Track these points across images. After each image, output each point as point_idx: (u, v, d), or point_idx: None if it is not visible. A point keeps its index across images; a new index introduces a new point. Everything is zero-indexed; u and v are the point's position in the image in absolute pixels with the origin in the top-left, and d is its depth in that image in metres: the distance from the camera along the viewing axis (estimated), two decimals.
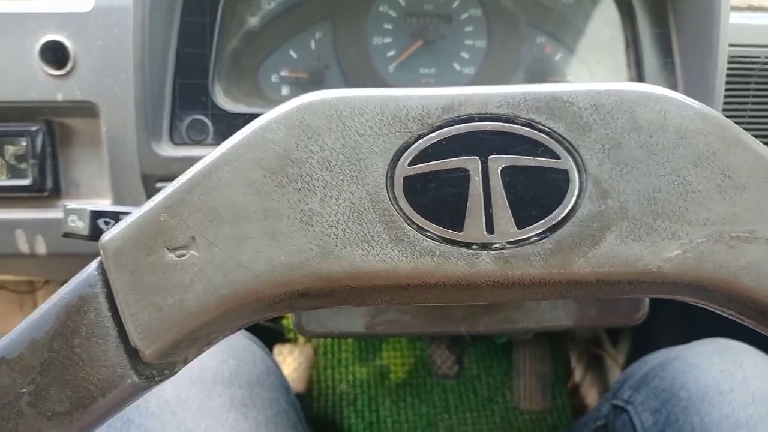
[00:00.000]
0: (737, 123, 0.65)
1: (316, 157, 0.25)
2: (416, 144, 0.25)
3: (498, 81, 0.63)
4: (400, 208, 0.25)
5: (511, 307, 0.53)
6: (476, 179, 0.25)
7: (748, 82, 0.64)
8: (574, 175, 0.25)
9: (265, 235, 0.24)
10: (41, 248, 0.63)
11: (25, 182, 0.62)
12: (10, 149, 0.62)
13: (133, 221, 0.25)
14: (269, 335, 1.28)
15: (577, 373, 1.37)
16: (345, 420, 1.29)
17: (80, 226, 0.41)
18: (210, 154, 0.25)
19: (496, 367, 1.38)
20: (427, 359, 1.25)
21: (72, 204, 0.43)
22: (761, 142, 0.67)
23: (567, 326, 0.54)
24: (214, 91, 0.59)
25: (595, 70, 0.64)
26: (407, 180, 0.25)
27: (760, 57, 0.63)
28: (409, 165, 0.25)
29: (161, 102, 0.58)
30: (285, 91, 0.62)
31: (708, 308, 0.27)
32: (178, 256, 0.24)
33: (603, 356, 1.33)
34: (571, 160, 0.25)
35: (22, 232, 0.63)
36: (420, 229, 0.25)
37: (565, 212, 0.25)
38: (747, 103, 0.65)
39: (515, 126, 0.25)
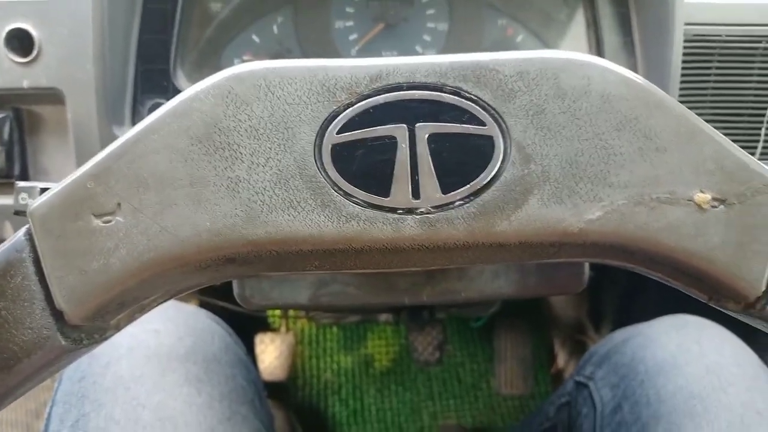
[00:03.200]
0: (699, 100, 0.66)
1: (243, 125, 0.25)
2: (345, 112, 0.25)
3: None
4: (328, 175, 0.25)
5: (453, 278, 0.54)
6: (403, 146, 0.25)
7: (710, 60, 0.65)
8: (499, 141, 0.25)
9: (190, 201, 0.25)
10: (9, 233, 0.63)
11: None
12: None
13: (60, 189, 0.25)
14: (251, 324, 1.29)
15: (561, 359, 1.38)
16: (329, 408, 1.30)
17: (30, 203, 0.42)
18: (139, 123, 0.26)
19: (479, 354, 1.39)
20: (409, 346, 1.26)
21: (25, 183, 0.44)
22: (722, 117, 0.68)
23: (508, 295, 0.55)
24: (176, 76, 0.60)
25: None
26: (335, 147, 0.25)
27: (721, 35, 0.64)
28: (338, 133, 0.25)
29: (123, 87, 0.58)
30: None
31: (637, 271, 0.28)
32: (104, 222, 0.25)
33: (586, 341, 1.34)
34: (496, 126, 0.25)
35: None
36: (347, 195, 0.25)
37: (489, 177, 0.25)
38: (709, 80, 0.65)
39: (442, 94, 0.26)
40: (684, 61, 0.62)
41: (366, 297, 0.54)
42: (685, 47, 0.62)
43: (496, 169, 0.25)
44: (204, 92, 0.25)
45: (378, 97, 0.26)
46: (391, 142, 0.25)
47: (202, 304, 0.95)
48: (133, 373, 0.48)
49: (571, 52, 0.26)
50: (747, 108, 0.65)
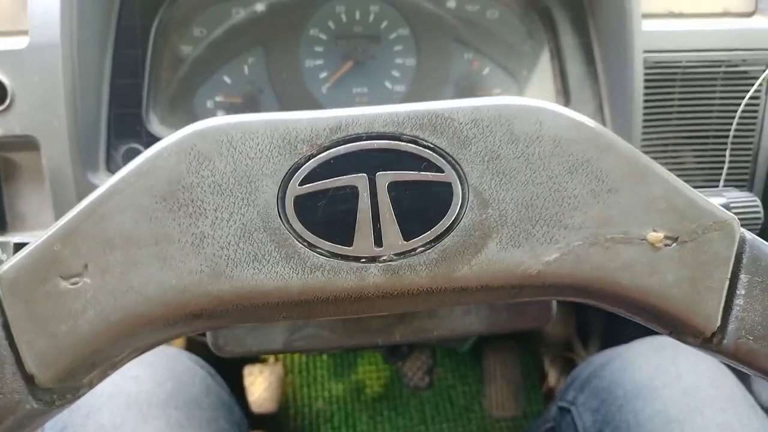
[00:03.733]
0: (664, 124, 0.68)
1: (207, 181, 0.25)
2: (306, 164, 0.26)
3: (429, 97, 0.65)
4: (291, 227, 0.26)
5: (424, 317, 0.54)
6: (364, 195, 0.26)
7: (673, 86, 0.66)
8: (457, 187, 0.26)
9: (155, 259, 0.25)
10: None
11: None
12: None
13: (28, 252, 0.25)
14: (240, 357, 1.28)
15: (551, 377, 1.38)
16: None
17: (3, 258, 0.42)
18: (104, 183, 0.26)
19: (470, 376, 1.39)
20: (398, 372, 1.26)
21: (0, 238, 0.44)
22: (688, 140, 0.70)
23: (480, 332, 0.55)
24: (149, 119, 0.61)
25: (522, 82, 0.66)
26: (298, 199, 0.26)
27: (681, 61, 0.65)
28: (300, 185, 0.26)
29: (97, 132, 0.59)
30: (220, 115, 0.63)
31: (599, 307, 0.29)
32: (72, 284, 0.25)
33: (575, 359, 1.34)
34: (454, 173, 0.26)
35: None
36: (311, 246, 0.26)
37: (449, 223, 0.26)
38: (673, 105, 0.67)
39: (400, 143, 0.26)
40: (647, 87, 0.63)
41: (340, 340, 0.55)
42: (647, 73, 0.63)
43: (455, 214, 0.26)
44: (167, 150, 0.26)
45: (338, 147, 0.26)
46: (352, 192, 0.26)
47: (189, 342, 0.95)
48: (113, 421, 0.48)
49: (523, 98, 0.27)
50: (712, 130, 0.67)
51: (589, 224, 0.26)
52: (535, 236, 0.26)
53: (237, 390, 1.20)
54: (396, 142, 0.26)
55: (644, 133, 0.65)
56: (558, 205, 0.26)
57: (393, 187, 0.26)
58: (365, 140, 0.26)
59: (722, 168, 0.66)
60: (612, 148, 0.27)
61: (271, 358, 1.33)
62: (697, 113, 0.66)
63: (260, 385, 1.28)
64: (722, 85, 0.66)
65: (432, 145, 0.26)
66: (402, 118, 0.26)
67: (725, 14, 0.69)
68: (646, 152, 0.64)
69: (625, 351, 0.64)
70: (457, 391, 1.37)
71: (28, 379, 0.25)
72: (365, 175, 0.26)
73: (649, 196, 0.26)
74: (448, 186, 0.26)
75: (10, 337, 0.25)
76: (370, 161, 0.26)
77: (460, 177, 0.26)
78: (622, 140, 0.27)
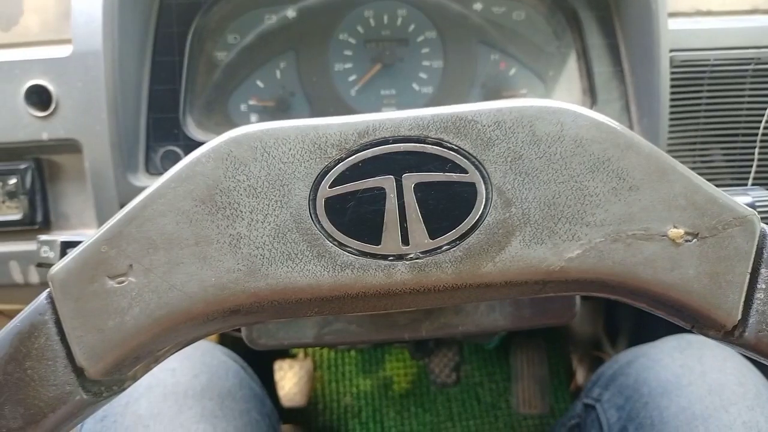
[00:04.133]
0: (692, 122, 0.67)
1: (243, 185, 0.27)
2: (336, 168, 0.27)
3: (456, 98, 0.66)
4: (322, 227, 0.27)
5: (450, 313, 0.56)
6: (392, 196, 0.27)
7: (701, 84, 0.66)
8: (481, 187, 0.27)
9: (196, 259, 0.27)
10: (34, 278, 0.67)
11: (17, 216, 0.66)
12: (1, 186, 0.66)
13: (77, 254, 0.27)
14: (270, 351, 1.31)
15: (579, 375, 1.37)
16: None
17: (51, 255, 0.45)
18: (147, 189, 0.28)
19: (498, 373, 1.39)
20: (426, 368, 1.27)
21: (46, 236, 0.47)
22: (716, 138, 0.69)
23: (504, 328, 0.56)
24: (186, 123, 0.63)
25: (548, 82, 0.67)
26: (328, 201, 0.27)
27: (709, 60, 0.65)
28: (330, 187, 0.27)
29: (136, 136, 0.61)
30: (254, 119, 0.66)
31: (622, 302, 0.30)
32: (118, 283, 0.27)
33: (603, 357, 1.33)
34: (477, 173, 0.27)
35: (16, 264, 0.67)
36: (341, 245, 0.27)
37: (473, 221, 0.27)
38: (701, 104, 0.67)
39: (426, 145, 0.27)
40: (674, 86, 0.63)
41: (368, 334, 0.56)
42: (674, 72, 0.63)
43: (479, 213, 0.27)
44: (205, 156, 0.27)
45: (366, 151, 0.27)
46: (380, 193, 0.27)
47: (222, 337, 0.98)
48: (151, 411, 0.50)
49: (545, 99, 0.28)
50: (740, 128, 0.67)
51: (610, 221, 0.27)
52: (557, 233, 0.27)
53: (268, 384, 1.22)
54: (421, 144, 0.27)
55: (672, 132, 0.65)
56: (580, 203, 0.27)
57: (419, 187, 0.27)
58: (392, 143, 0.27)
59: (751, 166, 0.66)
60: (632, 146, 0.27)
61: (301, 354, 1.35)
62: (726, 111, 0.66)
63: (290, 380, 1.30)
64: (752, 83, 0.66)
65: (456, 147, 0.27)
66: (427, 121, 0.28)
67: (754, 11, 0.68)
68: (674, 151, 0.65)
69: (650, 349, 0.64)
70: (484, 388, 1.37)
71: (79, 372, 0.27)
72: (392, 176, 0.27)
73: (670, 193, 0.27)
74: (472, 186, 0.27)
75: (61, 332, 0.27)
76: (396, 163, 0.27)
77: (483, 177, 0.27)
78: (642, 139, 0.28)
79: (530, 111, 0.27)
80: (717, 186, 0.67)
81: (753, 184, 0.66)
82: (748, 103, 0.66)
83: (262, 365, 1.22)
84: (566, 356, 1.39)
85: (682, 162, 0.68)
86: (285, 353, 1.35)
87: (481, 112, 0.28)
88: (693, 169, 0.66)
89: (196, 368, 0.56)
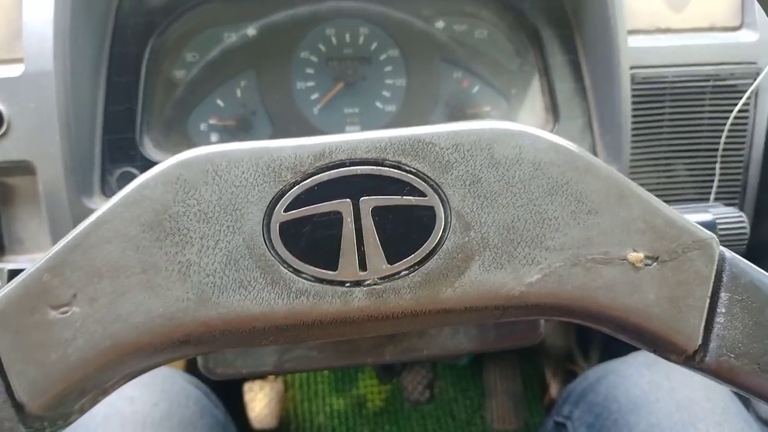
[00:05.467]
0: (655, 138, 0.68)
1: (193, 210, 0.26)
2: (291, 191, 0.26)
3: (419, 116, 0.65)
4: (277, 253, 0.26)
5: (414, 336, 0.55)
6: (348, 221, 0.26)
7: (662, 100, 0.67)
8: (440, 211, 0.27)
9: (143, 287, 0.26)
10: None
11: None
12: None
13: (17, 284, 0.26)
14: None
15: (553, 389, 1.37)
16: None
17: None
18: (92, 214, 0.26)
19: (472, 389, 1.39)
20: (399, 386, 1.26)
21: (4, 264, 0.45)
22: (678, 154, 0.70)
23: (469, 350, 0.56)
24: (143, 143, 0.61)
25: (511, 99, 0.67)
26: (283, 225, 0.26)
27: (668, 76, 0.66)
28: (285, 211, 0.26)
29: (91, 157, 0.60)
30: (214, 138, 0.64)
31: (583, 325, 0.29)
32: (62, 313, 0.25)
33: (576, 370, 1.34)
34: (436, 197, 0.27)
35: None
36: (296, 271, 0.26)
37: (432, 246, 0.27)
38: (663, 120, 0.67)
39: (383, 168, 0.27)
40: (636, 102, 0.64)
41: (330, 360, 0.55)
42: (635, 89, 0.64)
43: (438, 238, 0.27)
44: (153, 179, 0.26)
45: (322, 174, 0.27)
46: (336, 217, 0.26)
47: (188, 362, 0.95)
48: None
49: (503, 122, 0.28)
50: (702, 144, 0.67)
51: (569, 245, 0.27)
52: (517, 258, 0.26)
53: (236, 407, 1.20)
54: (379, 167, 0.27)
55: (634, 148, 0.65)
56: (539, 227, 0.27)
57: (377, 211, 0.26)
58: (348, 166, 0.27)
59: (713, 182, 0.67)
60: (591, 170, 0.27)
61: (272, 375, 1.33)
62: (687, 127, 0.67)
63: (261, 401, 1.28)
64: (711, 99, 0.67)
65: (414, 170, 0.27)
66: (384, 143, 0.27)
67: (712, 29, 0.70)
68: (638, 166, 0.65)
69: (620, 365, 0.64)
70: (458, 405, 1.37)
71: (19, 407, 0.25)
72: (349, 200, 0.26)
73: (629, 216, 0.27)
74: (430, 210, 0.27)
75: (0, 366, 0.25)
76: (353, 187, 0.27)
77: (442, 201, 0.27)
78: (601, 162, 0.28)
79: (488, 134, 0.27)
80: (680, 201, 0.67)
81: (715, 199, 0.67)
82: (709, 119, 0.67)
83: (231, 388, 1.20)
84: (539, 370, 1.39)
85: (646, 177, 0.68)
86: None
87: (439, 134, 0.27)
88: (657, 184, 0.67)
89: (155, 396, 0.54)
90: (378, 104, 0.66)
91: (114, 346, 0.26)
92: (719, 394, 0.57)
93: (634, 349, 0.66)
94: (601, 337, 1.21)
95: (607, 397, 0.60)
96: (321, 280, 0.26)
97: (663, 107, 0.67)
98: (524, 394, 1.31)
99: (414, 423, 1.34)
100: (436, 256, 0.27)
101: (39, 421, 0.26)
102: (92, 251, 0.26)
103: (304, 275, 0.26)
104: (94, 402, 0.28)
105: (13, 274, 0.45)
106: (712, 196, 0.67)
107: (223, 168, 0.26)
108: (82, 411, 0.28)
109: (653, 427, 0.53)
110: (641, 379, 0.59)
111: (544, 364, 1.39)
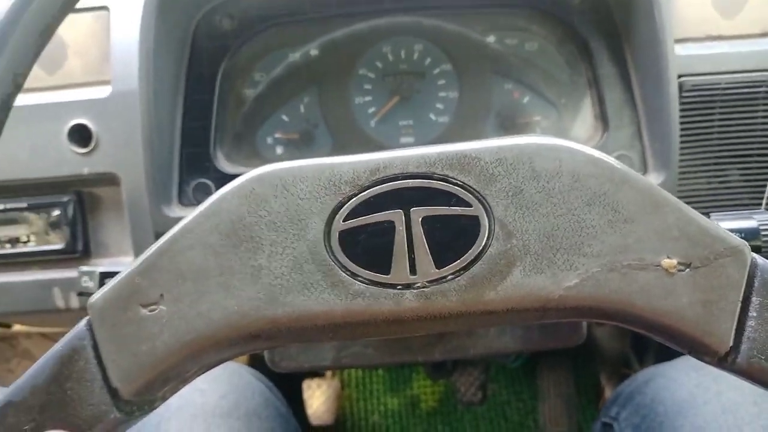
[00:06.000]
0: (704, 146, 0.69)
1: (264, 220, 0.29)
2: (349, 203, 0.29)
3: (471, 127, 0.68)
4: (336, 258, 0.29)
5: (462, 336, 0.57)
6: (400, 229, 0.29)
7: (713, 107, 0.67)
8: (484, 220, 0.29)
9: (221, 288, 0.29)
10: (75, 303, 0.71)
11: (60, 246, 0.70)
12: (46, 218, 0.71)
13: (113, 285, 0.30)
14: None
15: (608, 393, 1.36)
16: None
17: (91, 285, 0.49)
18: (177, 224, 0.30)
19: (525, 392, 1.39)
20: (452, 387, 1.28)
21: (87, 267, 0.50)
22: (729, 161, 0.71)
23: (514, 350, 0.58)
24: (217, 157, 0.67)
25: (561, 109, 0.69)
26: (342, 234, 0.29)
27: (720, 83, 0.66)
28: (344, 221, 0.29)
29: (170, 169, 0.65)
30: (279, 150, 0.69)
31: (621, 326, 0.31)
32: (150, 311, 0.29)
33: (631, 375, 1.32)
34: (480, 207, 0.29)
35: (58, 290, 0.71)
36: (353, 275, 0.29)
37: (477, 252, 0.29)
38: (713, 126, 0.68)
39: (432, 181, 0.29)
40: (685, 110, 0.65)
41: (383, 357, 0.58)
42: (685, 97, 0.65)
43: (482, 245, 0.29)
44: (230, 193, 0.30)
45: (377, 187, 0.30)
46: (389, 226, 0.29)
47: (251, 358, 1.01)
48: (181, 430, 0.53)
49: (544, 137, 0.30)
50: (755, 149, 0.67)
51: (606, 252, 0.28)
52: (556, 263, 0.28)
53: (296, 403, 1.24)
54: (428, 180, 0.29)
55: (685, 155, 0.66)
56: (577, 235, 0.29)
57: (426, 221, 0.29)
58: (401, 180, 0.30)
59: (765, 189, 0.67)
60: (627, 181, 0.29)
61: (329, 373, 1.37)
62: (740, 133, 0.67)
63: (318, 399, 1.32)
64: (764, 105, 0.67)
65: (461, 183, 0.29)
66: (433, 159, 0.30)
67: (764, 35, 0.70)
68: (688, 172, 0.66)
69: (668, 368, 0.65)
70: (511, 407, 1.37)
71: (113, 392, 0.29)
72: (401, 210, 0.29)
73: (663, 224, 0.28)
74: (475, 219, 0.29)
75: (98, 356, 0.29)
76: (405, 198, 0.29)
77: (486, 211, 0.29)
78: (636, 174, 0.29)
79: (530, 148, 0.29)
80: (733, 207, 0.67)
81: (767, 205, 0.67)
82: (762, 124, 0.67)
83: (291, 385, 1.24)
84: (594, 374, 1.38)
85: (698, 183, 0.69)
86: (313, 373, 1.37)
87: (483, 150, 0.30)
88: (708, 190, 0.67)
89: (223, 389, 0.59)
90: (431, 116, 0.69)
91: (195, 339, 0.29)
92: (767, 399, 0.57)
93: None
94: (656, 341, 1.20)
95: (654, 399, 0.61)
96: (375, 283, 0.29)
97: (713, 113, 0.67)
98: (578, 397, 1.31)
99: (467, 424, 1.35)
100: (480, 262, 0.29)
101: (129, 405, 0.30)
102: (177, 257, 0.29)
103: (360, 278, 0.29)
104: (175, 390, 0.32)
105: (104, 275, 0.51)
106: (764, 202, 0.67)
107: (290, 183, 0.30)
108: (165, 398, 0.31)
109: (699, 430, 0.54)
110: (689, 382, 0.60)
111: (599, 368, 1.38)
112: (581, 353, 1.36)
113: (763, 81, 0.66)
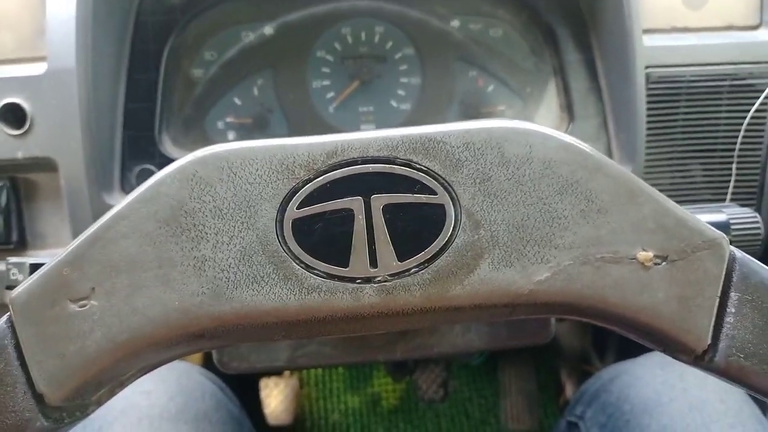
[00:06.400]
0: (669, 138, 0.68)
1: (208, 206, 0.27)
2: (304, 188, 0.27)
3: (434, 115, 0.66)
4: (289, 249, 0.27)
5: (425, 333, 0.55)
6: (360, 218, 0.27)
7: (678, 100, 0.66)
8: (450, 209, 0.27)
9: (159, 282, 0.26)
10: (8, 299, 0.65)
11: None
12: None
13: (38, 277, 0.27)
14: None
15: (568, 390, 1.37)
16: None
17: (20, 278, 0.44)
18: (111, 210, 0.27)
19: (486, 389, 1.38)
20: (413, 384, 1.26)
21: (16, 258, 0.46)
22: (693, 154, 0.70)
23: (480, 348, 0.56)
24: (162, 141, 0.63)
25: (526, 98, 0.67)
26: (296, 222, 0.27)
27: (685, 76, 0.66)
28: (298, 208, 0.27)
29: (111, 154, 0.61)
30: (231, 136, 0.65)
31: (592, 323, 0.29)
32: (80, 307, 0.26)
33: (592, 371, 1.33)
34: (446, 195, 0.27)
35: None
36: (308, 267, 0.27)
37: (442, 244, 0.27)
38: (677, 119, 0.67)
39: (395, 166, 0.27)
40: (652, 101, 0.64)
41: (342, 356, 0.56)
42: (651, 88, 0.63)
43: (448, 235, 0.27)
44: (170, 176, 0.27)
45: (335, 172, 0.27)
46: (348, 215, 0.27)
47: (204, 357, 0.97)
48: None
49: (513, 121, 0.28)
50: (718, 144, 0.67)
51: (579, 244, 0.27)
52: (526, 256, 0.27)
53: (253, 403, 1.21)
54: (390, 165, 0.27)
55: (649, 147, 0.65)
56: (548, 226, 0.27)
57: (387, 209, 0.27)
58: (360, 164, 0.27)
59: (729, 182, 0.66)
60: (601, 169, 0.27)
61: (287, 371, 1.34)
62: (703, 127, 0.66)
63: (276, 398, 1.29)
64: (728, 99, 0.66)
65: (425, 168, 0.27)
66: (396, 142, 0.27)
67: (730, 28, 0.69)
68: (652, 166, 0.65)
69: (633, 366, 0.64)
70: (472, 404, 1.36)
71: (38, 398, 0.26)
72: (360, 198, 0.27)
73: (639, 215, 0.27)
74: (441, 208, 0.27)
75: (21, 358, 0.26)
76: (365, 184, 0.27)
77: (452, 199, 0.27)
78: (611, 161, 0.28)
79: (499, 132, 0.27)
80: (696, 201, 0.67)
81: (731, 200, 0.66)
82: (726, 119, 0.67)
83: (247, 383, 1.21)
84: (555, 370, 1.38)
85: (661, 177, 0.68)
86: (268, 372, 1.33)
87: (450, 133, 0.28)
88: (671, 184, 0.66)
89: (171, 390, 0.55)
90: (393, 103, 0.66)
91: (131, 338, 0.26)
92: (733, 396, 0.56)
93: (650, 350, 0.65)
94: (616, 338, 1.20)
95: (619, 397, 0.60)
96: (332, 277, 0.27)
97: (678, 107, 0.66)
98: (539, 394, 1.31)
99: (428, 422, 1.34)
100: (445, 254, 0.27)
101: (58, 412, 0.27)
102: (110, 246, 0.26)
103: (315, 271, 0.27)
104: (112, 394, 0.29)
105: (35, 267, 0.46)
106: (728, 197, 0.66)
107: (237, 165, 0.27)
108: (100, 403, 0.29)
109: (665, 429, 0.53)
110: (654, 379, 0.59)
111: (559, 365, 1.38)
112: (542, 350, 1.36)
113: (728, 74, 0.66)
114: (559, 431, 0.69)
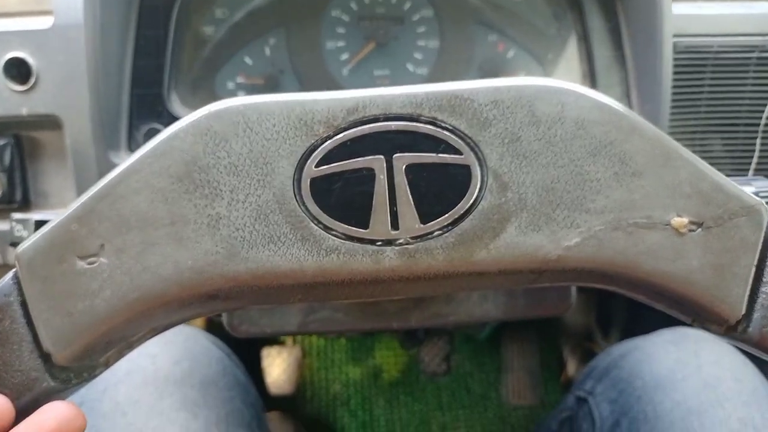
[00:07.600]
0: (693, 110, 0.66)
1: (223, 162, 0.25)
2: (323, 146, 0.26)
3: (451, 80, 0.64)
4: (307, 209, 0.26)
5: (441, 302, 0.54)
6: (381, 177, 0.26)
7: (703, 72, 0.64)
8: (476, 170, 0.26)
9: (171, 240, 0.25)
10: (12, 258, 0.64)
11: None
12: None
13: (46, 232, 0.26)
14: (256, 338, 1.29)
15: (570, 367, 1.37)
16: (339, 420, 1.30)
17: (25, 235, 0.43)
18: (121, 164, 0.26)
19: (488, 363, 1.39)
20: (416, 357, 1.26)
21: (20, 215, 0.45)
22: (717, 126, 0.68)
23: (497, 318, 0.55)
24: (170, 100, 0.61)
25: (547, 65, 0.65)
26: (314, 181, 0.26)
27: (712, 46, 0.64)
28: (316, 167, 0.26)
29: (119, 113, 0.59)
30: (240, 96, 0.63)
31: (619, 293, 0.28)
32: (89, 264, 0.25)
33: (595, 349, 1.33)
34: (472, 155, 0.26)
35: None
36: (326, 228, 0.26)
37: (467, 206, 0.26)
38: (703, 91, 0.65)
39: (418, 124, 0.26)
40: (677, 72, 0.62)
41: (355, 323, 0.55)
42: (676, 58, 0.61)
43: (473, 197, 0.26)
44: (183, 131, 0.26)
45: (355, 129, 0.26)
46: (369, 174, 0.26)
47: (208, 322, 0.96)
48: (130, 398, 0.48)
49: (545, 78, 0.27)
50: (742, 117, 0.65)
51: (611, 208, 0.26)
52: (555, 220, 0.26)
53: (255, 371, 1.21)
54: (414, 123, 0.26)
55: (672, 119, 0.63)
56: (579, 189, 0.26)
57: (410, 169, 0.26)
58: (382, 121, 0.26)
59: (752, 157, 0.65)
60: (636, 130, 0.26)
61: (289, 341, 1.34)
62: (728, 100, 0.65)
63: (278, 367, 1.29)
64: (755, 71, 0.64)
65: (451, 127, 0.26)
66: (420, 99, 0.26)
67: None
68: (673, 138, 0.63)
69: (645, 342, 0.63)
70: (474, 379, 1.37)
71: (45, 357, 0.25)
72: (382, 157, 0.26)
73: (674, 180, 0.26)
74: (466, 168, 0.26)
75: (27, 315, 0.25)
76: (387, 143, 0.26)
77: (479, 159, 0.26)
78: (646, 122, 0.26)
79: (530, 90, 0.26)
80: None
81: (754, 175, 0.64)
82: (751, 92, 0.65)
83: (249, 352, 1.21)
84: (557, 347, 1.38)
85: None
86: (273, 340, 1.33)
87: (477, 90, 0.26)
88: None
89: (177, 354, 0.54)
90: (409, 66, 0.64)
91: (141, 298, 0.25)
92: (748, 375, 0.55)
93: (656, 328, 0.65)
94: (622, 316, 1.20)
95: (631, 373, 0.59)
96: (352, 238, 0.26)
97: (704, 78, 0.65)
98: (541, 370, 1.31)
99: (429, 395, 1.35)
100: (470, 217, 0.26)
101: (65, 372, 0.26)
102: (120, 202, 0.25)
103: (334, 232, 0.26)
104: (120, 356, 0.28)
105: (40, 224, 0.45)
106: (751, 172, 0.64)
107: (254, 120, 0.26)
108: (108, 364, 0.28)
109: (679, 405, 0.52)
110: (668, 356, 0.58)
111: (562, 342, 1.38)
112: (545, 327, 1.36)
113: (756, 46, 0.64)
114: (566, 406, 0.68)
